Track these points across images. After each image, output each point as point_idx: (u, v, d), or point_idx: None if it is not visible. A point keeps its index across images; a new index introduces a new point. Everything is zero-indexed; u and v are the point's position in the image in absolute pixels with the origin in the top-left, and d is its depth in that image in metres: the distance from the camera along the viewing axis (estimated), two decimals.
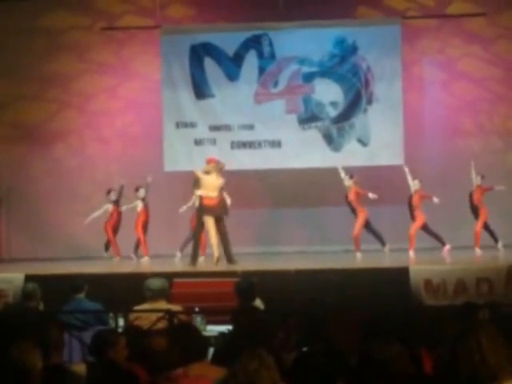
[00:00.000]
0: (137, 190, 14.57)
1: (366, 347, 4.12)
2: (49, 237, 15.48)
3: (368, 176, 14.56)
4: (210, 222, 12.69)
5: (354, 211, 14.24)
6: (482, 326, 4.07)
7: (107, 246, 14.91)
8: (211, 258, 12.77)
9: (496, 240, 14.31)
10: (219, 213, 12.76)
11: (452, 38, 15.54)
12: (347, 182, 14.20)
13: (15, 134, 15.91)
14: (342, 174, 14.29)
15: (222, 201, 12.86)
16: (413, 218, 14.22)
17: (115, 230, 14.78)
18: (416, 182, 14.21)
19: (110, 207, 14.74)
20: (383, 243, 14.34)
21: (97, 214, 14.66)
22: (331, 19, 15.16)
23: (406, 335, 5.13)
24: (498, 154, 15.59)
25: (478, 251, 13.91)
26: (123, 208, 14.64)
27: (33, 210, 15.68)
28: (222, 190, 12.88)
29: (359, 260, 13.58)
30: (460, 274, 11.07)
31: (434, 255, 13.58)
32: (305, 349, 5.68)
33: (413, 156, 14.93)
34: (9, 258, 15.23)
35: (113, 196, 14.77)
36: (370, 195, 13.86)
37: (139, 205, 14.51)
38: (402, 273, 11.22)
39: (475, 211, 14.28)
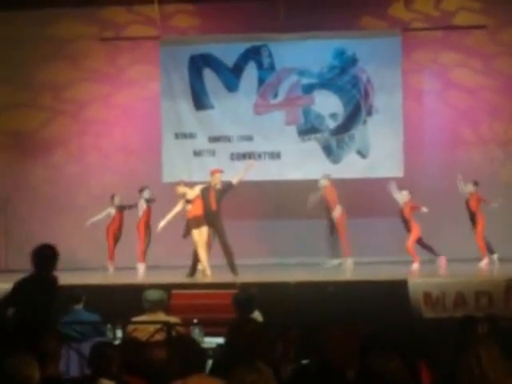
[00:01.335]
0: (141, 190, 14.48)
1: (365, 360, 4.10)
2: None
3: (368, 187, 14.55)
4: (197, 235, 12.77)
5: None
6: (481, 340, 4.06)
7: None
8: (214, 269, 12.84)
9: (492, 252, 14.20)
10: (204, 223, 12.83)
11: (452, 50, 15.53)
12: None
13: (11, 143, 15.91)
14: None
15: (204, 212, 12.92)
16: (408, 230, 14.10)
17: (116, 236, 14.72)
18: (405, 192, 14.03)
19: (112, 211, 14.69)
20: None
21: (99, 216, 14.59)
22: (332, 30, 15.16)
23: (405, 348, 5.10)
24: (498, 164, 15.56)
25: (485, 261, 13.77)
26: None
27: (30, 221, 15.65)
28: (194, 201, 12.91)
29: (359, 272, 13.53)
30: (459, 287, 11.05)
31: (433, 268, 13.54)
32: (304, 361, 5.67)
33: (413, 167, 14.92)
34: (6, 269, 15.18)
35: (117, 200, 14.72)
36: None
37: (143, 205, 14.42)
38: (401, 285, 11.19)
39: (473, 219, 14.13)
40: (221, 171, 13.17)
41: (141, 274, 14.10)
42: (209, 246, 13.25)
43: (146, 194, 14.52)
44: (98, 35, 15.81)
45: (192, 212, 12.83)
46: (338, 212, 14.05)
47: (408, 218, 13.96)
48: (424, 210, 13.69)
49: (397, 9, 15.55)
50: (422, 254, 14.18)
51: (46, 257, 7.33)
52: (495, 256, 14.11)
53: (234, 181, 13.14)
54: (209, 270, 12.75)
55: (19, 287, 7.32)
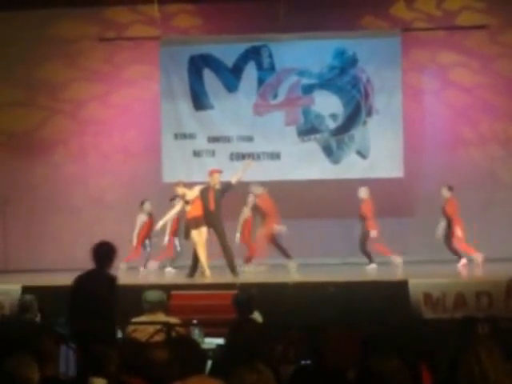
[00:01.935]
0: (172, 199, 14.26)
1: (365, 361, 4.09)
2: (45, 248, 15.42)
3: (367, 188, 14.53)
4: (196, 236, 12.75)
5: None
6: (481, 341, 4.05)
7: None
8: (213, 270, 12.83)
9: (460, 257, 13.85)
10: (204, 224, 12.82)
11: (453, 50, 15.48)
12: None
13: (10, 142, 15.88)
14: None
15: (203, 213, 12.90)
16: (367, 227, 13.94)
17: (144, 242, 14.55)
18: (363, 188, 14.00)
19: (144, 218, 14.51)
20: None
21: (137, 229, 14.35)
22: (333, 30, 15.14)
23: (406, 349, 5.09)
24: (499, 163, 15.51)
25: (478, 257, 13.69)
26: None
27: (29, 221, 15.63)
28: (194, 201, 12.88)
29: (359, 273, 13.51)
30: (460, 288, 11.03)
31: (433, 268, 13.50)
32: (303, 362, 5.65)
33: (413, 168, 14.90)
34: (5, 270, 15.17)
35: (147, 207, 14.47)
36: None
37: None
38: (402, 286, 11.18)
39: (449, 223, 13.93)
40: (219, 171, 13.15)
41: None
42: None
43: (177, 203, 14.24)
44: (99, 35, 15.77)
45: (191, 213, 12.81)
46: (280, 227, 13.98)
47: (368, 215, 13.89)
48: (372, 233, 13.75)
49: (398, 8, 15.49)
50: (424, 255, 14.18)
51: (101, 253, 7.60)
52: (463, 261, 13.79)
53: (233, 180, 13.11)
54: (208, 271, 12.73)
55: (78, 282, 7.62)
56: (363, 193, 13.95)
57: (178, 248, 14.48)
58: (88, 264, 12.40)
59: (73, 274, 12.42)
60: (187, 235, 12.83)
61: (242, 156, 15.21)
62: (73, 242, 15.21)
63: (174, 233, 14.43)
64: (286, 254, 14.03)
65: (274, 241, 14.05)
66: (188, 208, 12.84)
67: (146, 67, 15.76)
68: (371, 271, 13.58)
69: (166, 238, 14.39)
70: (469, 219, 14.33)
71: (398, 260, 13.99)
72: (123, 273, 13.88)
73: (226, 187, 13.08)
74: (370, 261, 13.86)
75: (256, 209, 14.11)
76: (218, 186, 12.99)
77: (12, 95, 15.84)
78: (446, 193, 13.93)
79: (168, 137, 15.37)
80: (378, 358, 4.02)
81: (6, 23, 15.67)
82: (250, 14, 15.28)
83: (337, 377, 4.31)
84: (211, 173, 13.12)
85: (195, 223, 12.74)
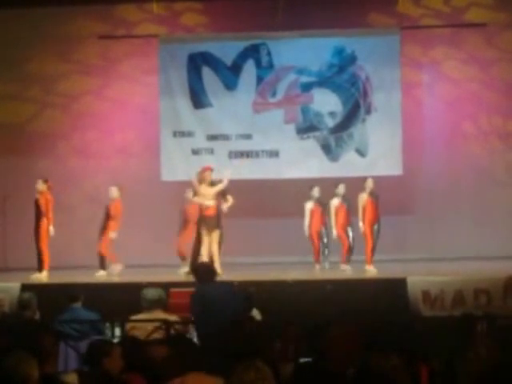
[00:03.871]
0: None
1: (364, 359, 4.10)
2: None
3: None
4: (205, 235, 12.74)
5: None
6: (480, 338, 4.06)
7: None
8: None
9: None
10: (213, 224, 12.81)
11: (453, 47, 15.46)
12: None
13: (8, 139, 15.86)
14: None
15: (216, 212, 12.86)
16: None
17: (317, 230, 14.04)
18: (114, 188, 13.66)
19: (312, 205, 14.06)
20: None
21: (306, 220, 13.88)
22: (332, 28, 15.12)
23: (404, 347, 5.10)
24: (498, 161, 15.50)
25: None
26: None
27: (28, 219, 15.60)
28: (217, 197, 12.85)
29: (357, 271, 13.49)
30: (458, 286, 11.05)
31: (432, 266, 13.51)
32: (302, 360, 5.66)
33: (412, 165, 14.90)
34: (5, 268, 15.16)
35: (316, 192, 13.92)
36: None
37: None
38: (400, 284, 11.18)
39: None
40: (211, 169, 13.07)
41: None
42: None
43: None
44: (98, 32, 15.74)
45: (209, 210, 12.69)
46: None
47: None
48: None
49: (404, 5, 15.41)
50: (423, 253, 14.19)
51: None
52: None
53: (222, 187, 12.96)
54: None
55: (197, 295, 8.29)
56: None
57: (351, 238, 13.99)
58: (85, 261, 12.37)
59: (72, 272, 12.41)
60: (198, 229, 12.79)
61: (240, 154, 15.21)
62: (71, 241, 15.19)
63: (344, 225, 13.83)
64: None
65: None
66: (209, 203, 12.69)
67: (145, 65, 15.74)
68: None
69: (335, 233, 13.82)
70: (467, 216, 14.36)
71: (117, 268, 13.52)
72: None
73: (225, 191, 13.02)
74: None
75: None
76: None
77: (10, 89, 15.83)
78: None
79: (167, 135, 15.35)
80: (378, 356, 4.02)
81: (6, 22, 15.66)
82: (248, 12, 15.27)
83: (337, 375, 4.32)
84: (203, 170, 13.05)
85: (206, 222, 12.69)
